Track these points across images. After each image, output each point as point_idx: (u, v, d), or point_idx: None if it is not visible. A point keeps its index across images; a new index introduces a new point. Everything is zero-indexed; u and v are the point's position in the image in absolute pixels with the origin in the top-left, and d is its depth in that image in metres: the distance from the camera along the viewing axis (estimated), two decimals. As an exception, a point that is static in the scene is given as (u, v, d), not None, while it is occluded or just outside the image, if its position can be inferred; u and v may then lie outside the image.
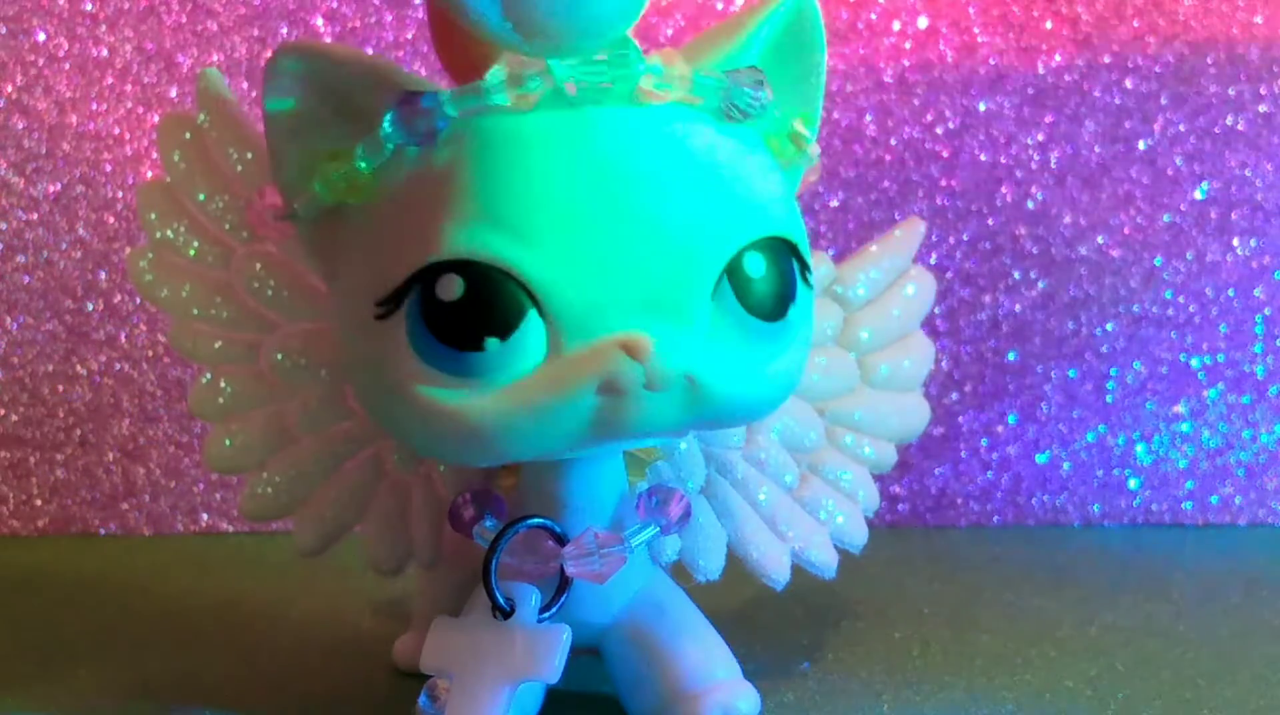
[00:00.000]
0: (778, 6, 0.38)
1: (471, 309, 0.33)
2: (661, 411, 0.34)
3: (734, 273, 0.34)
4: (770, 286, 0.35)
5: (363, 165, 0.35)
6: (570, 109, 0.34)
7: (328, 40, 0.69)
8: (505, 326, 0.33)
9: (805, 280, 0.36)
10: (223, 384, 0.42)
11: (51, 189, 0.70)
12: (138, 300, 0.70)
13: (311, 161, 0.35)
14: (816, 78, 0.39)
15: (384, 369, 0.34)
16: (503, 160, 0.33)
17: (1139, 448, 0.72)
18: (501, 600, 0.37)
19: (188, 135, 0.42)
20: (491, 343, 0.33)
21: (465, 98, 0.34)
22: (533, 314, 0.33)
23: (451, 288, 0.33)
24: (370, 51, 0.69)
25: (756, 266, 0.34)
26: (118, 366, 0.70)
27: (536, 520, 0.37)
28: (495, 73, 0.34)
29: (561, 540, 0.37)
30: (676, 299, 0.33)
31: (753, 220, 0.34)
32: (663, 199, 0.33)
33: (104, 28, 0.70)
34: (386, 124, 0.34)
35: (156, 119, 0.70)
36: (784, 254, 0.35)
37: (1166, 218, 0.71)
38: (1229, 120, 0.71)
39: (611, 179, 0.33)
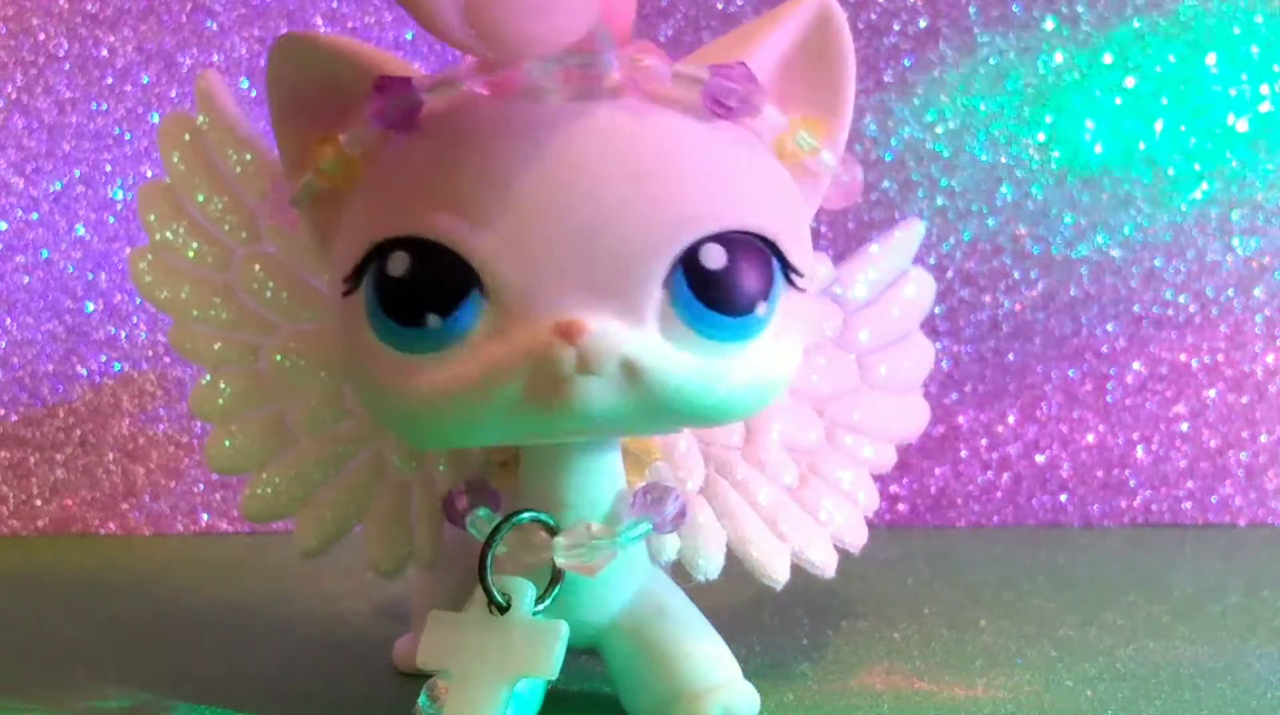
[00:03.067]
0: (797, 10, 0.38)
1: (415, 285, 0.33)
2: (600, 398, 0.33)
3: (689, 263, 0.34)
4: (731, 281, 0.34)
5: (349, 150, 0.35)
6: (540, 99, 0.34)
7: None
8: (446, 303, 0.33)
9: (791, 281, 0.36)
10: (223, 385, 0.42)
11: (51, 189, 0.70)
12: (138, 300, 0.70)
13: (308, 147, 0.36)
14: (840, 84, 0.38)
15: (350, 346, 0.35)
16: (462, 146, 0.34)
17: (1139, 448, 0.72)
18: (497, 596, 0.37)
19: (188, 136, 0.42)
20: (432, 319, 0.33)
21: (437, 84, 0.34)
22: (475, 294, 0.33)
23: (399, 264, 0.34)
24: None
25: (716, 258, 0.34)
26: (118, 366, 0.70)
27: (531, 514, 0.37)
28: (469, 61, 0.34)
29: (555, 533, 0.37)
30: (620, 285, 0.33)
31: (715, 212, 0.34)
32: (613, 186, 0.33)
33: (104, 28, 0.70)
34: (366, 110, 0.35)
35: (156, 119, 0.70)
36: (756, 250, 0.35)
37: (1166, 218, 0.71)
38: (1229, 120, 0.71)
39: (564, 166, 0.33)
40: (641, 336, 0.34)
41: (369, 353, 0.34)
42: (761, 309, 0.35)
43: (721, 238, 0.34)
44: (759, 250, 0.35)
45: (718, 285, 0.34)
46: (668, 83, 0.35)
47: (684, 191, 0.34)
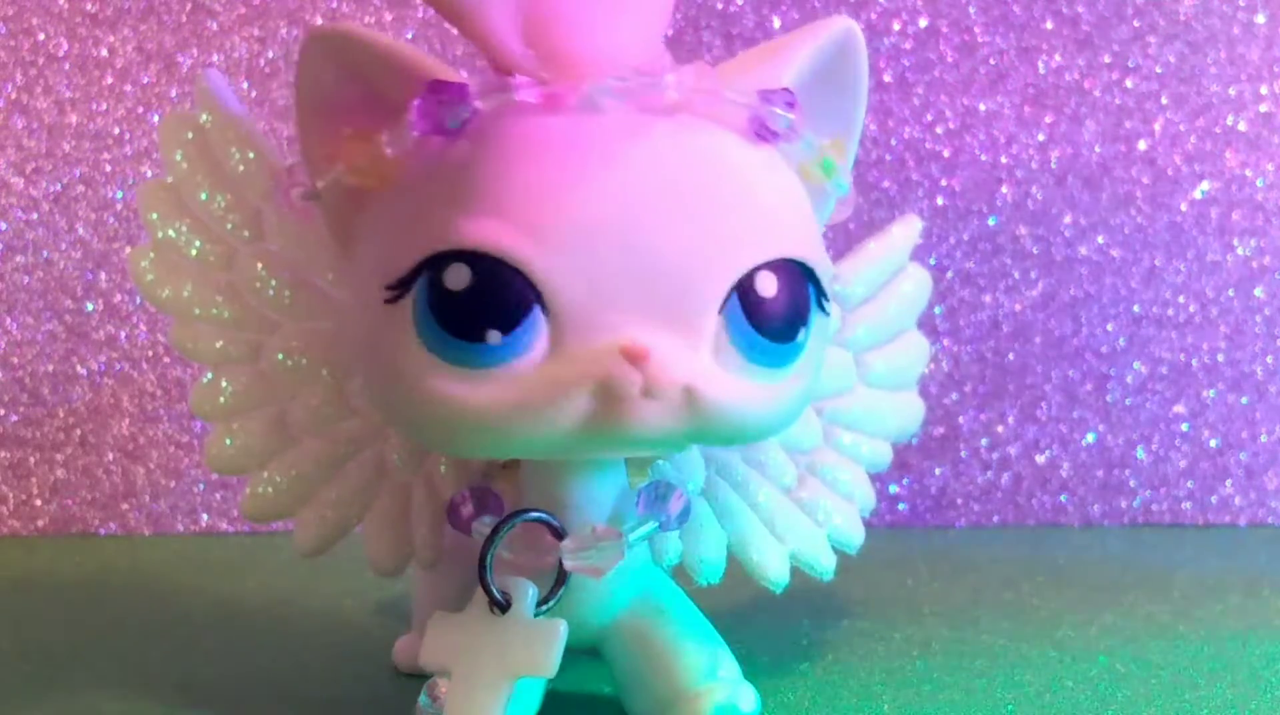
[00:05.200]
0: (822, 31, 0.38)
1: (476, 300, 0.33)
2: (657, 420, 0.33)
3: (744, 290, 0.34)
4: (781, 308, 0.34)
5: (387, 151, 0.35)
6: (595, 114, 0.34)
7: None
8: (508, 320, 0.33)
9: (822, 307, 0.36)
10: (224, 384, 0.42)
11: (51, 189, 0.70)
12: (138, 300, 0.70)
13: (337, 143, 0.36)
14: (855, 106, 0.39)
15: (388, 353, 0.34)
16: (523, 158, 0.34)
17: (1139, 448, 0.72)
18: (497, 595, 0.37)
19: (189, 135, 0.42)
20: (493, 335, 0.33)
21: (492, 92, 0.34)
22: (537, 311, 0.33)
23: (459, 277, 0.33)
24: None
25: (768, 286, 0.34)
26: (118, 366, 0.71)
27: (535, 514, 0.37)
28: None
29: (560, 535, 0.37)
30: (682, 309, 0.33)
31: (768, 239, 0.34)
32: (678, 210, 0.33)
33: (104, 28, 0.70)
34: (412, 112, 0.34)
35: (156, 119, 0.70)
36: (799, 277, 0.35)
37: (1166, 218, 0.71)
38: (1229, 120, 0.71)
39: (628, 186, 0.33)
40: (699, 361, 0.34)
41: (416, 363, 0.34)
42: (801, 335, 0.35)
43: (772, 265, 0.34)
44: (800, 278, 0.35)
45: (769, 312, 0.34)
46: (720, 106, 0.35)
47: (742, 218, 0.34)
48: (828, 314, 0.36)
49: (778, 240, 0.35)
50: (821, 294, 0.36)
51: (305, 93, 0.36)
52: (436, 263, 0.33)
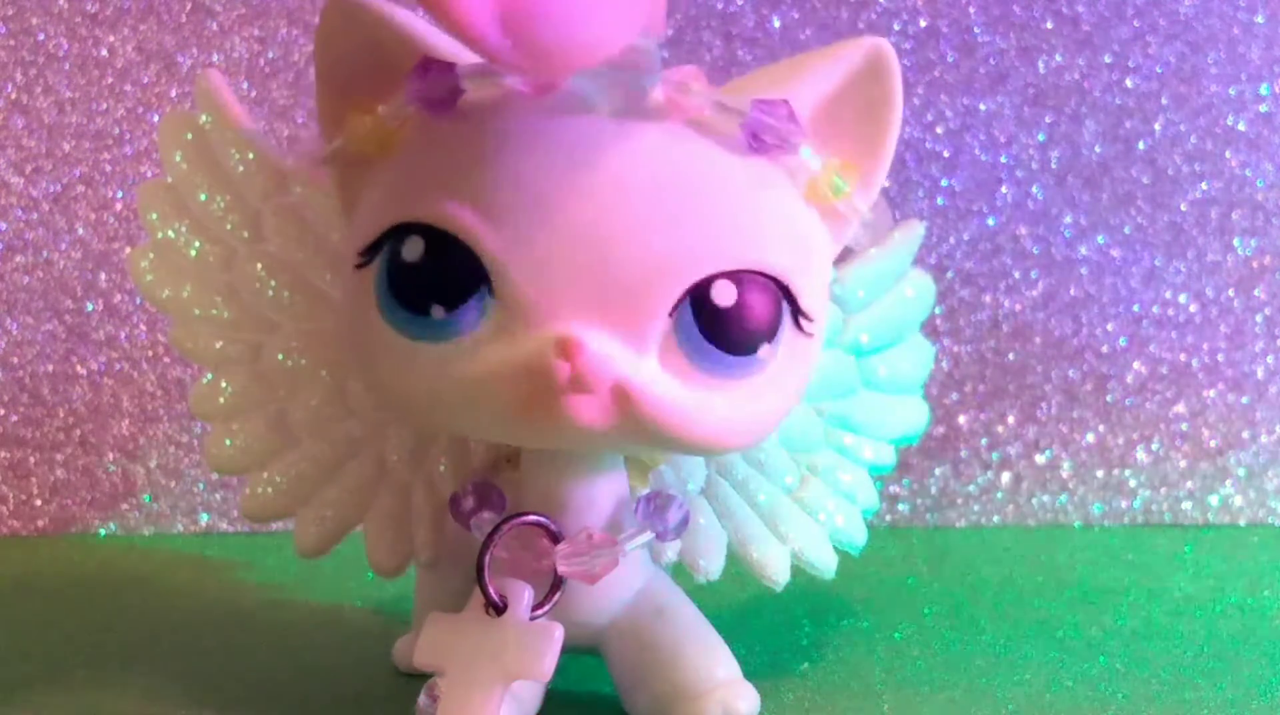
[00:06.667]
0: (851, 51, 0.37)
1: (426, 273, 0.34)
2: (589, 416, 0.33)
3: (699, 296, 0.34)
4: (737, 319, 0.34)
5: (387, 123, 0.36)
6: (578, 109, 0.34)
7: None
8: (452, 296, 0.34)
9: (800, 327, 0.36)
10: (224, 384, 0.42)
11: (51, 189, 0.70)
12: (138, 300, 0.70)
13: (346, 110, 0.36)
14: (885, 129, 0.38)
15: (356, 318, 0.36)
16: (495, 145, 0.34)
17: (1139, 448, 0.72)
18: (494, 597, 0.37)
19: (189, 135, 0.42)
20: (437, 309, 0.34)
21: (481, 75, 0.34)
22: (484, 292, 0.34)
23: (414, 249, 0.34)
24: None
25: (726, 295, 0.34)
26: (118, 366, 0.70)
27: (531, 517, 0.37)
28: None
29: (557, 538, 0.37)
30: (627, 308, 0.33)
31: (733, 249, 0.34)
32: (641, 212, 0.33)
33: (104, 28, 0.70)
34: (406, 86, 0.35)
35: (156, 119, 0.70)
36: (768, 292, 0.35)
37: (1166, 218, 0.71)
38: (1229, 120, 0.71)
39: (594, 184, 0.33)
40: (638, 361, 0.34)
41: (372, 330, 0.35)
42: (764, 351, 0.35)
43: (734, 275, 0.34)
44: (770, 292, 0.35)
45: (723, 322, 0.34)
46: (709, 111, 0.35)
47: (706, 224, 0.34)
48: (808, 334, 0.36)
49: (746, 251, 0.34)
50: (799, 312, 0.35)
51: (321, 58, 0.37)
52: (398, 233, 0.34)
